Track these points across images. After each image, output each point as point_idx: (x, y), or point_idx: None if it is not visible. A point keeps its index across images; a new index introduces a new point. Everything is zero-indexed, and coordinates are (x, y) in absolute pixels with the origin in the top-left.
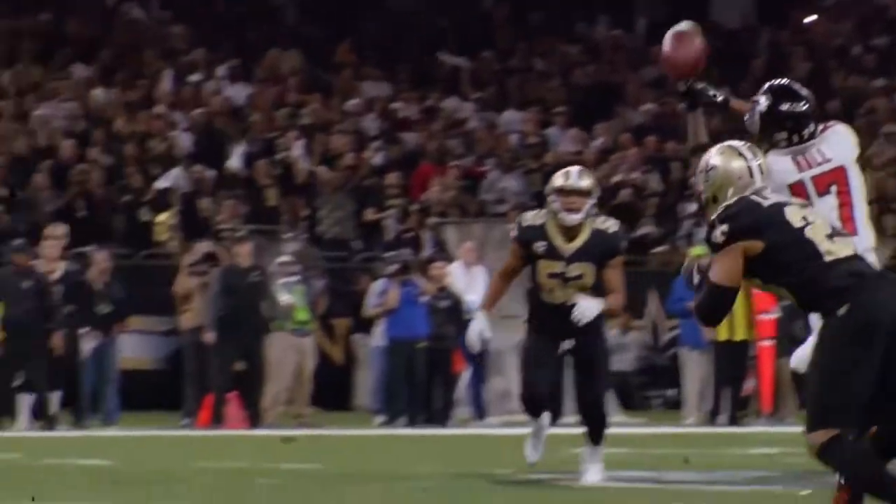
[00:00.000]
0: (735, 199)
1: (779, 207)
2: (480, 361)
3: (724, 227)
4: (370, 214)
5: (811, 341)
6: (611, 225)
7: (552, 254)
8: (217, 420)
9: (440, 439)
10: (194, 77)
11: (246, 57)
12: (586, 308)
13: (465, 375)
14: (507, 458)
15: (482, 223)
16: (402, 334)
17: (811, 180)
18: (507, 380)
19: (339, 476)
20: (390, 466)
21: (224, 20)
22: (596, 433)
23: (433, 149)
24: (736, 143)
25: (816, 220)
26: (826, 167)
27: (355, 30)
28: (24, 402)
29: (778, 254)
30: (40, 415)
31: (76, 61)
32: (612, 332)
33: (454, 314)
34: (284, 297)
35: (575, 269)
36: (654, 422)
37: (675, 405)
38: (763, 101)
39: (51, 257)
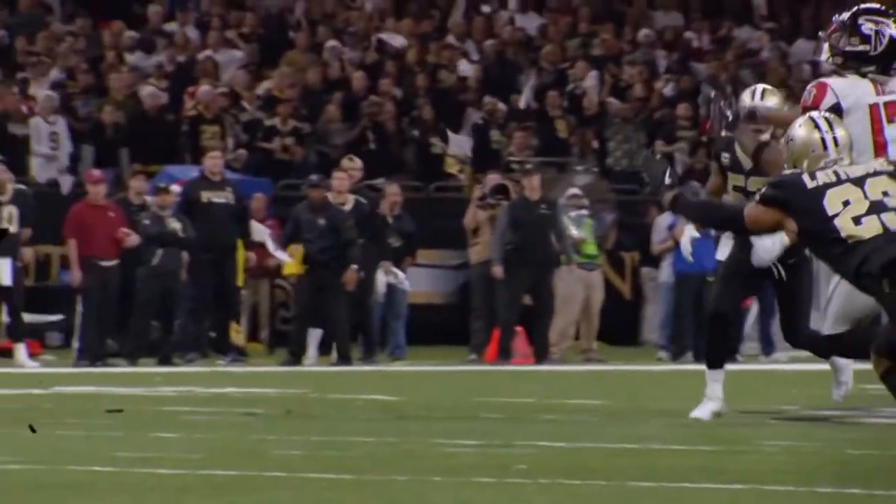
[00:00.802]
0: (791, 172)
1: (821, 191)
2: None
3: (765, 190)
4: (660, 147)
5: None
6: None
7: (735, 167)
8: (504, 354)
9: (727, 375)
10: (486, 7)
11: None
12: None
13: (753, 311)
14: (794, 395)
15: None
16: (689, 268)
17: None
18: None
19: (624, 411)
20: (675, 403)
21: None
22: None
23: (725, 79)
24: (817, 114)
25: (860, 197)
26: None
27: None
28: (314, 336)
29: (808, 237)
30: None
31: None
32: None
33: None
34: (573, 231)
35: (754, 184)
36: None
37: None
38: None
39: (341, 189)
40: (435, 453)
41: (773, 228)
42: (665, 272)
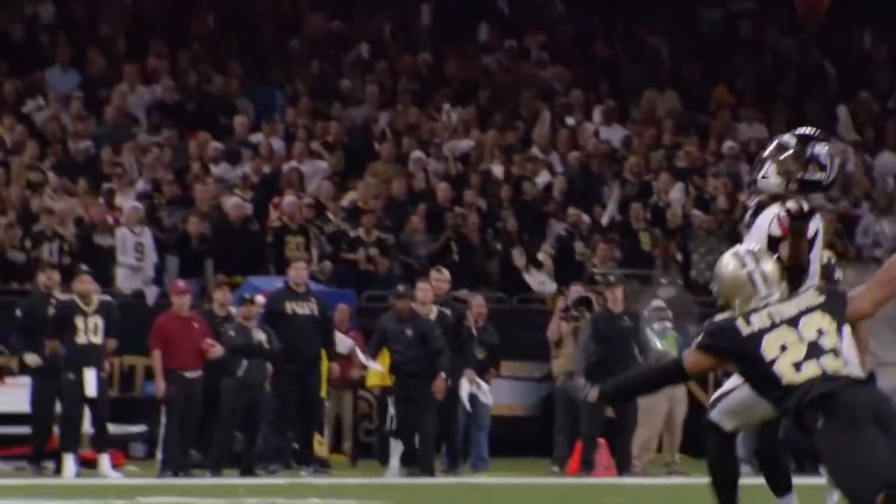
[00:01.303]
0: (723, 318)
1: (757, 338)
2: None
3: (703, 338)
4: None
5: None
6: None
7: None
8: (586, 467)
9: (802, 487)
10: (570, 119)
11: (622, 98)
12: None
13: None
14: None
15: (856, 267)
16: None
17: None
18: None
19: None
20: None
21: (600, 62)
22: None
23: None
24: (743, 249)
25: (795, 340)
26: None
27: (732, 71)
28: (397, 448)
29: (748, 379)
30: (415, 461)
31: (453, 103)
32: None
33: None
34: (657, 344)
35: None
36: None
37: None
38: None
39: (426, 300)
40: None
41: (714, 369)
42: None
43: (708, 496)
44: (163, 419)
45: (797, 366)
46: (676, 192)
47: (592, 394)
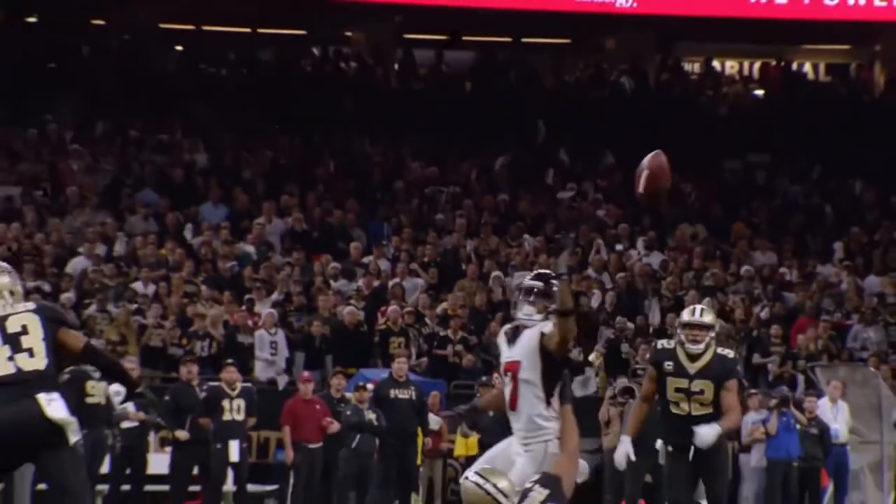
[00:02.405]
0: None
1: None
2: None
3: None
4: (757, 358)
5: None
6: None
7: (679, 372)
8: None
9: None
10: (619, 246)
11: (660, 230)
12: (705, 434)
13: (829, 489)
14: None
15: (847, 366)
16: (779, 455)
17: None
18: (863, 494)
19: None
20: None
21: (644, 203)
22: None
23: (810, 306)
24: (472, 473)
25: None
26: None
27: (749, 210)
28: None
29: None
30: None
31: (526, 233)
32: None
33: (821, 440)
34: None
35: (697, 385)
36: None
37: None
38: None
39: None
40: None
41: None
42: (754, 458)
43: None
44: (291, 480)
45: None
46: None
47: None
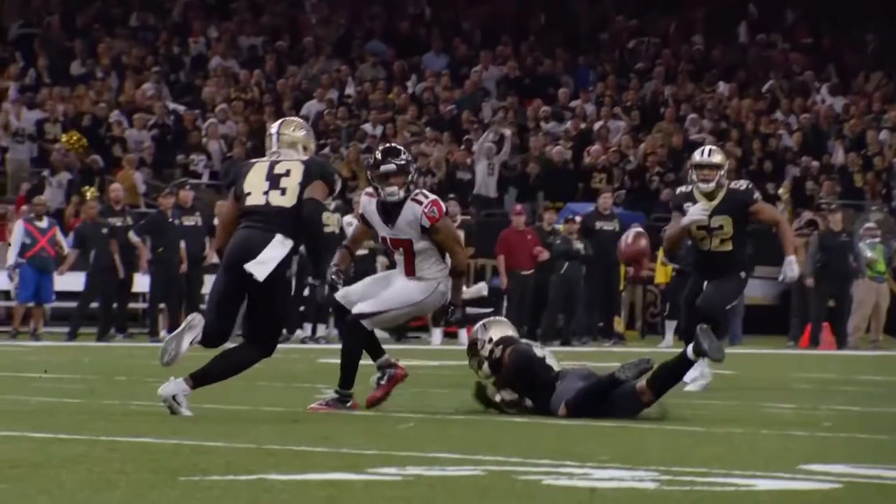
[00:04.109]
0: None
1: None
2: None
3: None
4: None
5: None
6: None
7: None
8: (814, 342)
9: None
10: (805, 92)
11: (843, 77)
12: (790, 268)
13: None
14: None
15: None
16: None
17: None
18: None
19: None
20: None
21: (827, 51)
22: None
23: None
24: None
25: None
26: None
27: None
28: (671, 327)
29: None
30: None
31: (719, 79)
32: None
33: None
34: (867, 253)
35: (716, 221)
36: None
37: None
38: None
39: None
40: (762, 413)
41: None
42: None
43: None
44: (504, 304)
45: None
46: (883, 145)
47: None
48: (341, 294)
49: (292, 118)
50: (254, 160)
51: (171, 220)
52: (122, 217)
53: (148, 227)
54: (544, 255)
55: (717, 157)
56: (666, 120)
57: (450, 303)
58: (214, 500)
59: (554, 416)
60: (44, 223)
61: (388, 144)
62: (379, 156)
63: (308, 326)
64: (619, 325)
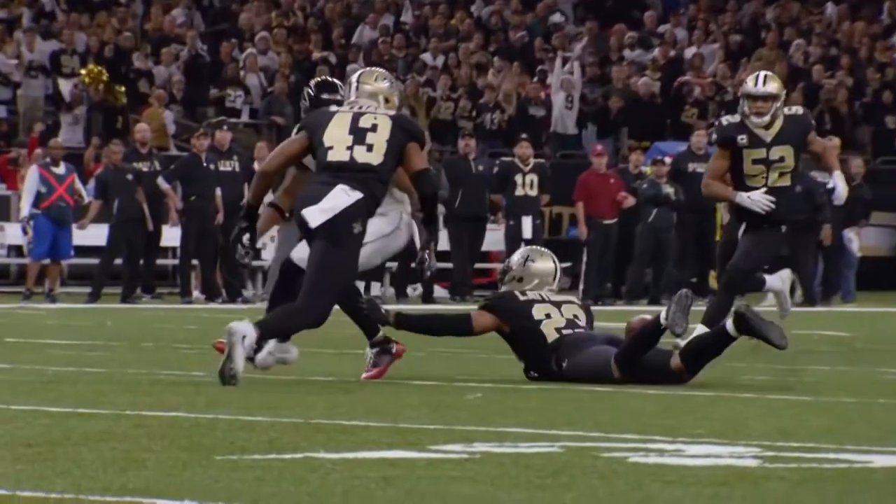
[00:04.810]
0: (506, 290)
1: (530, 304)
2: None
3: (487, 301)
4: None
5: None
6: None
7: (755, 142)
8: None
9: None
10: None
11: None
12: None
13: None
14: None
15: None
16: None
17: None
18: None
19: None
20: None
21: None
22: None
23: None
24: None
25: (557, 314)
26: None
27: None
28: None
29: (516, 336)
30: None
31: (828, 0)
32: None
33: None
34: None
35: (777, 153)
36: None
37: None
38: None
39: None
40: (879, 380)
41: (492, 330)
42: None
43: None
44: (584, 258)
45: (559, 330)
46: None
47: (391, 319)
48: (298, 252)
49: (374, 68)
50: (333, 108)
51: (205, 164)
52: (150, 161)
53: (179, 173)
54: (629, 201)
55: (774, 86)
56: (768, 46)
57: (421, 247)
58: (255, 482)
59: (577, 382)
60: (61, 169)
61: (323, 78)
62: (313, 91)
63: (360, 285)
64: (713, 280)
